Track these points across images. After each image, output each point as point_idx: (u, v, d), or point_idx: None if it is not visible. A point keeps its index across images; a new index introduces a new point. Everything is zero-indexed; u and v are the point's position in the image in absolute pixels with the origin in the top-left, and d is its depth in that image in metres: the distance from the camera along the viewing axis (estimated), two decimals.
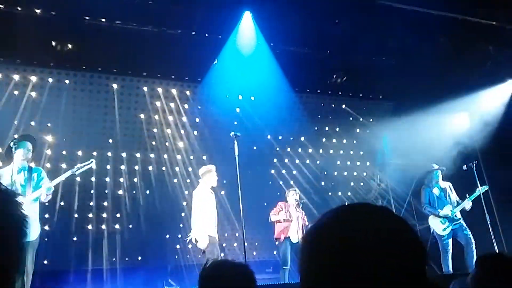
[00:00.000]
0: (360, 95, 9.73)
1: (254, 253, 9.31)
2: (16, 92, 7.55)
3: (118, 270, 8.57)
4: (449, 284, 2.97)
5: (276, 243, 7.90)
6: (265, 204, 9.12)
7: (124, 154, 8.48)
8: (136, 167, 8.55)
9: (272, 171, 9.54)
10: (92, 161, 5.69)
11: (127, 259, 8.50)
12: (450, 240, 7.53)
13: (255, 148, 9.31)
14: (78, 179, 8.05)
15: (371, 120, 9.98)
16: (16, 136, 5.62)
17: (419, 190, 8.11)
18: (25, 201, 5.17)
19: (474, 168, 7.74)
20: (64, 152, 8.00)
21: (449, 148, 8.98)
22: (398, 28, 7.91)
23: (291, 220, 7.78)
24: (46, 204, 7.74)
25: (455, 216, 7.56)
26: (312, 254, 0.92)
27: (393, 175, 9.99)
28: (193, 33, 7.77)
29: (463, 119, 9.41)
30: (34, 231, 5.28)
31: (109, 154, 8.37)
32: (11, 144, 5.44)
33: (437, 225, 7.65)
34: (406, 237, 0.90)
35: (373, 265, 0.84)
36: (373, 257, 0.84)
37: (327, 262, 0.88)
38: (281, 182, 9.47)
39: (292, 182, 9.50)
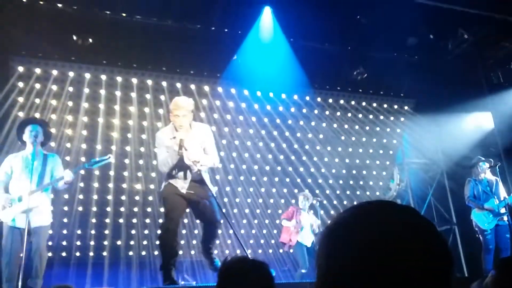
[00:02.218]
0: (381, 92, 9.60)
1: (270, 251, 9.27)
2: (37, 86, 7.64)
3: (134, 265, 8.63)
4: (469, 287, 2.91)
5: (285, 248, 8.14)
6: (282, 201, 9.10)
7: (142, 149, 8.52)
8: (154, 162, 8.58)
9: (290, 169, 9.48)
10: (109, 156, 5.53)
11: (143, 253, 8.54)
12: (493, 236, 7.13)
13: (273, 145, 9.28)
14: (96, 172, 8.12)
15: (391, 118, 9.83)
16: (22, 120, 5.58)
17: (463, 183, 7.68)
18: (34, 190, 5.22)
19: (498, 170, 7.57)
20: (83, 146, 8.08)
21: (471, 148, 8.79)
22: (420, 24, 7.79)
23: (300, 227, 7.97)
24: (66, 197, 7.92)
25: (500, 211, 7.16)
26: (331, 250, 0.89)
27: (413, 175, 9.83)
28: (213, 28, 7.78)
29: (486, 118, 9.19)
30: (46, 218, 5.36)
31: (128, 148, 8.42)
32: (18, 128, 5.48)
33: (480, 219, 7.25)
34: (432, 240, 0.86)
35: (396, 266, 0.80)
36: (396, 257, 0.81)
37: (346, 259, 0.84)
38: (298, 180, 9.42)
39: (310, 180, 9.45)
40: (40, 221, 5.25)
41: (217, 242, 5.22)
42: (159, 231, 5.04)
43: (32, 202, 5.15)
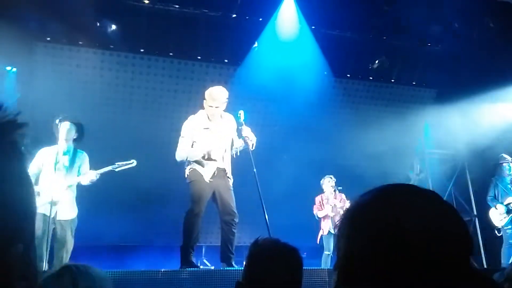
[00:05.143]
0: (403, 81, 9.47)
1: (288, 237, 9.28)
2: (61, 73, 7.75)
3: (154, 249, 8.77)
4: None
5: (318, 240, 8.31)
6: (300, 188, 9.07)
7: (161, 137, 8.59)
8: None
9: (309, 156, 9.43)
10: (133, 162, 5.75)
11: (164, 237, 8.65)
12: None
13: (292, 133, 9.25)
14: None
15: (412, 107, 9.69)
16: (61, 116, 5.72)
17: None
18: (63, 184, 5.43)
19: None
20: (105, 132, 8.17)
21: (494, 140, 8.64)
22: (444, 12, 7.66)
23: (336, 211, 8.16)
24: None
25: None
26: (352, 231, 0.89)
27: (433, 166, 9.73)
28: (234, 15, 7.78)
29: (511, 110, 9.01)
30: (71, 211, 5.57)
31: (146, 136, 8.51)
32: (57, 121, 5.61)
33: (495, 217, 7.46)
34: (453, 223, 0.88)
35: (417, 248, 0.81)
36: (417, 239, 0.82)
37: (367, 240, 0.85)
38: (317, 168, 9.37)
39: (328, 170, 9.40)
40: (64, 215, 5.46)
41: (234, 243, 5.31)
42: (185, 215, 5.18)
43: (58, 196, 5.33)
